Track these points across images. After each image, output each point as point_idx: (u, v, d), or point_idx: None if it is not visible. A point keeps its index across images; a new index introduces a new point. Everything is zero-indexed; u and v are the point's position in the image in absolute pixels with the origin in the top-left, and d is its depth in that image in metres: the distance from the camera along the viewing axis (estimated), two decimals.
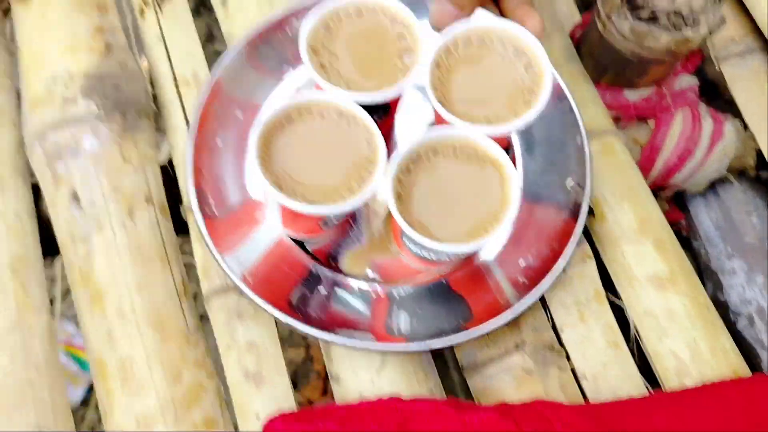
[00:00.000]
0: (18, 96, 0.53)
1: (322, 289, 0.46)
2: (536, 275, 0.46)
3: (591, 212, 0.50)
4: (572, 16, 0.60)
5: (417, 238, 0.39)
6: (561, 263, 0.46)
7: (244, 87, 0.50)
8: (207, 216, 0.47)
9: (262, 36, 0.51)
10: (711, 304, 0.48)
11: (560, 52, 0.55)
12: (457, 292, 0.46)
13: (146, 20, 0.54)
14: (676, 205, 0.63)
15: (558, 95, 0.49)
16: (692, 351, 0.46)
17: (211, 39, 1.05)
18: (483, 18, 0.43)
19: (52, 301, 0.62)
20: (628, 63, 0.51)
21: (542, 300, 0.48)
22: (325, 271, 0.47)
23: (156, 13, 0.54)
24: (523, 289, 0.46)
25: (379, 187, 0.40)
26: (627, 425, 0.42)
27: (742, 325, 0.56)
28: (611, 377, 0.46)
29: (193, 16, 0.55)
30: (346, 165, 0.41)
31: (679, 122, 0.56)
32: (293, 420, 0.42)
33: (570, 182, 0.48)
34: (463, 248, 0.40)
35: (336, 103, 0.41)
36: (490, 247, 0.47)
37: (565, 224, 0.47)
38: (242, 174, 0.49)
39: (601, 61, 0.53)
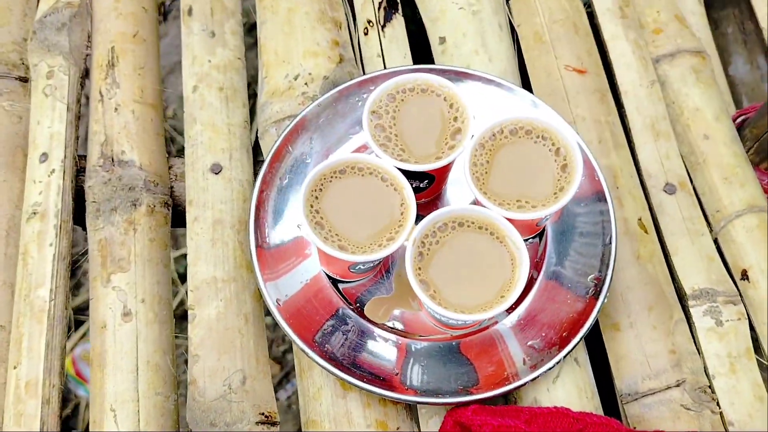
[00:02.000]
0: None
1: (346, 329, 0.50)
2: (541, 357, 0.48)
3: (745, 277, 0.55)
4: (729, 105, 0.66)
5: (426, 301, 0.43)
6: (566, 350, 0.48)
7: (316, 136, 0.55)
8: (259, 245, 0.50)
9: (344, 92, 0.55)
10: None
11: (725, 132, 0.61)
12: (466, 355, 0.50)
13: (369, 38, 0.62)
14: None
15: (598, 194, 0.53)
16: None
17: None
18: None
19: None
20: None
21: (697, 346, 0.52)
22: (350, 313, 0.51)
23: (378, 33, 0.62)
24: (528, 367, 0.48)
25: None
26: None
27: None
28: (756, 428, 0.50)
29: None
30: (380, 222, 0.46)
31: None
32: (482, 412, 0.46)
33: (591, 278, 0.51)
34: (463, 318, 0.44)
35: (383, 167, 0.47)
36: (506, 320, 0.50)
37: (578, 315, 0.50)
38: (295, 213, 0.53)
39: (766, 145, 0.59)
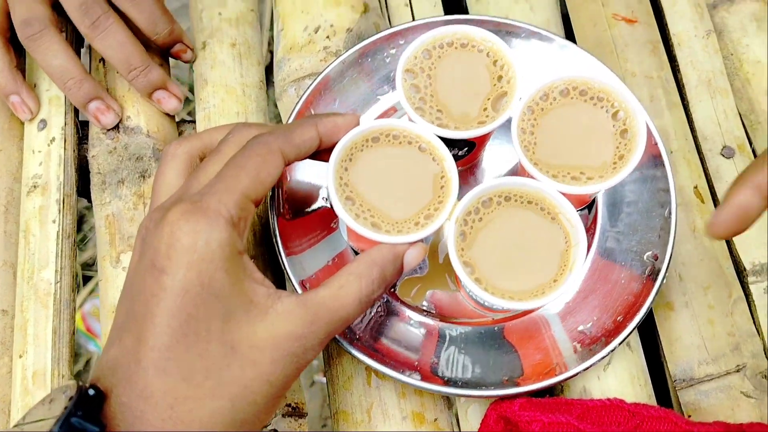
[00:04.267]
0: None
1: (375, 310, 0.46)
2: (592, 343, 0.44)
3: None
4: None
5: (471, 286, 0.39)
6: (621, 337, 0.43)
7: (340, 96, 0.49)
8: (280, 216, 0.46)
9: (370, 47, 0.50)
10: None
11: None
12: (509, 341, 0.45)
13: None
14: None
15: (655, 160, 0.48)
16: None
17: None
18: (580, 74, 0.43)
19: None
20: None
21: (757, 327, 0.48)
22: None
23: None
24: (578, 354, 0.44)
25: (446, 226, 0.40)
26: None
27: None
28: None
29: None
30: (417, 198, 0.41)
31: None
32: (530, 406, 0.42)
33: (648, 255, 0.46)
34: (514, 306, 0.39)
35: (422, 135, 0.42)
36: (552, 304, 0.46)
37: (635, 297, 0.45)
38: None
39: None
